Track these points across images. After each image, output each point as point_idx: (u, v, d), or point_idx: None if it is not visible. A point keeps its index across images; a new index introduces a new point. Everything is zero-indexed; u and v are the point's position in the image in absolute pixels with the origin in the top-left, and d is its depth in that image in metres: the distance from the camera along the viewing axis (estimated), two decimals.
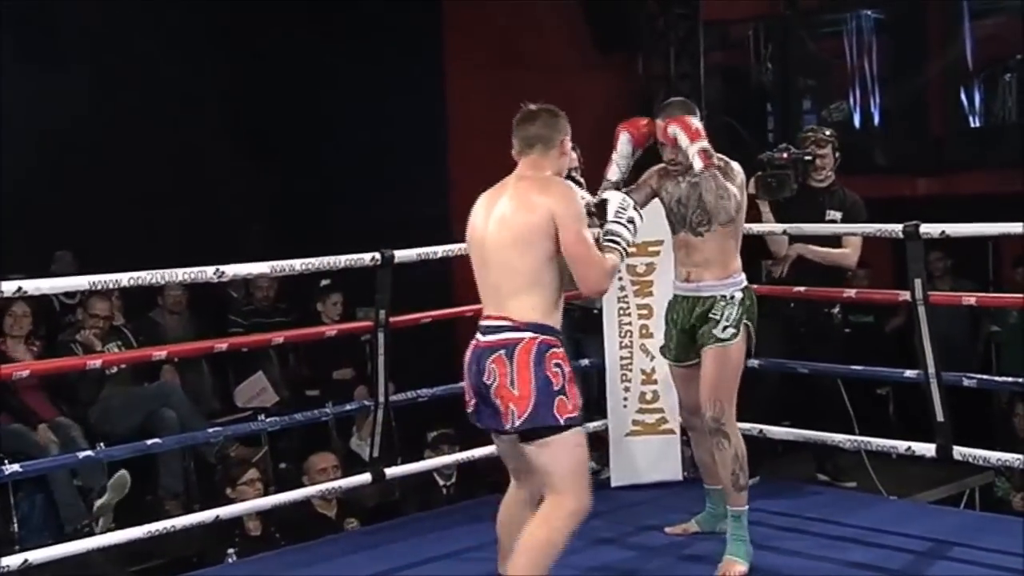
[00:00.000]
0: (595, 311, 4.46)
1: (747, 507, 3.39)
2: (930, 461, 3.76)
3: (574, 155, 4.56)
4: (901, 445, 3.86)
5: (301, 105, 6.47)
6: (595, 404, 4.45)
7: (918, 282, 3.57)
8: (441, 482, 5.27)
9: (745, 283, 3.46)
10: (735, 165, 3.48)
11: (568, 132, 2.92)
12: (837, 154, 4.64)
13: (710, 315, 3.40)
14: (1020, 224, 3.59)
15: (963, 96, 7.33)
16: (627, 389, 4.34)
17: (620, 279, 4.32)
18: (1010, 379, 4.18)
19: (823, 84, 8.00)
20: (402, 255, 3.79)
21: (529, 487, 2.85)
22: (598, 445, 4.44)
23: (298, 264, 3.65)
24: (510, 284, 2.75)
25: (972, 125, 7.35)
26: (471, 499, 4.63)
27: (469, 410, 2.84)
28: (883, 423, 5.69)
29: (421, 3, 6.73)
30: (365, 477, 3.94)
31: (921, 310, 3.56)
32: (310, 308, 6.17)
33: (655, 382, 4.35)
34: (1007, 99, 7.21)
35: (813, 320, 4.60)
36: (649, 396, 4.35)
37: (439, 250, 3.97)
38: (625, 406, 4.33)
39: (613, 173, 3.57)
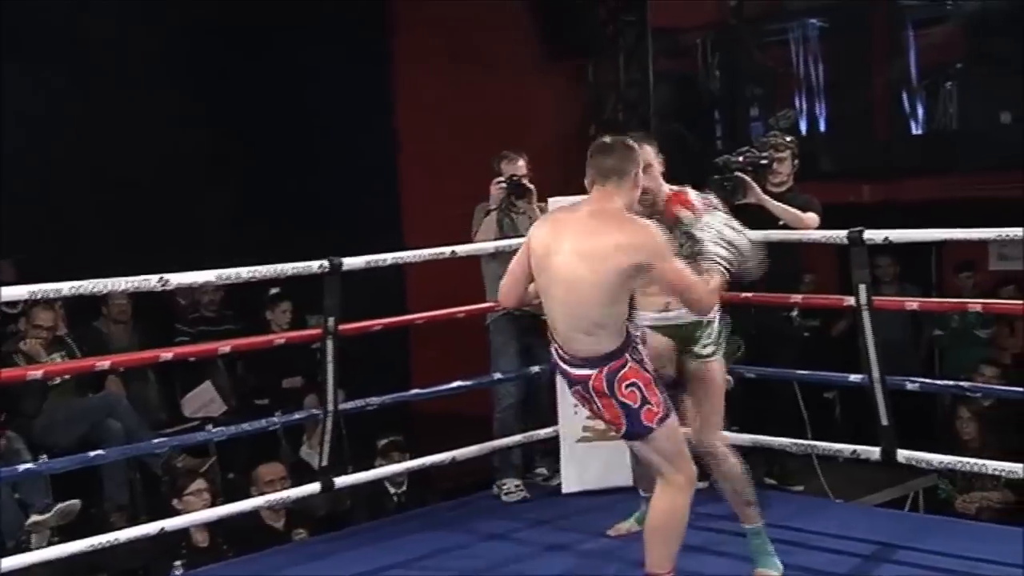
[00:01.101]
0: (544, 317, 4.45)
1: (761, 522, 3.37)
2: (875, 464, 3.81)
3: (520, 162, 4.60)
4: (847, 449, 3.91)
5: (245, 108, 6.40)
6: (546, 410, 4.45)
7: (862, 288, 3.62)
8: (392, 490, 5.25)
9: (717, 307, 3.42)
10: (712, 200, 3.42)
11: (641, 164, 2.99)
12: (796, 161, 4.69)
13: (693, 337, 3.38)
14: (962, 230, 3.67)
15: (906, 103, 7.47)
16: None
17: None
18: (952, 382, 4.25)
19: (770, 92, 8.11)
20: (350, 262, 3.77)
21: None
22: (548, 452, 4.45)
23: (245, 272, 3.61)
24: (582, 322, 2.86)
25: (915, 132, 7.49)
26: (423, 507, 4.62)
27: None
28: (830, 427, 5.75)
29: (368, 3, 6.70)
30: (314, 487, 3.91)
31: (865, 315, 3.61)
32: (259, 316, 6.12)
33: None
34: (948, 107, 7.36)
35: (771, 324, 4.65)
36: None
37: (388, 257, 3.95)
38: (576, 412, 4.30)
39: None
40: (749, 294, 4.31)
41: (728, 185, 4.38)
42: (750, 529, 3.38)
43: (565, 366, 2.94)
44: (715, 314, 3.38)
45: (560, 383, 4.33)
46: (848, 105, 7.48)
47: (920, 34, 7.33)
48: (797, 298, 4.33)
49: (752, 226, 4.38)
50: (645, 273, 2.85)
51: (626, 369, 2.88)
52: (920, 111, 7.46)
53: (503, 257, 4.47)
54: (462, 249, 4.38)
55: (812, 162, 7.21)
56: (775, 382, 4.68)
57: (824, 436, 4.35)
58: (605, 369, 2.87)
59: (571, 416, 4.34)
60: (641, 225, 2.86)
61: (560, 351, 2.94)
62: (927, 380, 3.91)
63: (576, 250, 2.84)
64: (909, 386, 3.74)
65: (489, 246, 4.39)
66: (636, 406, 2.90)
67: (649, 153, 3.32)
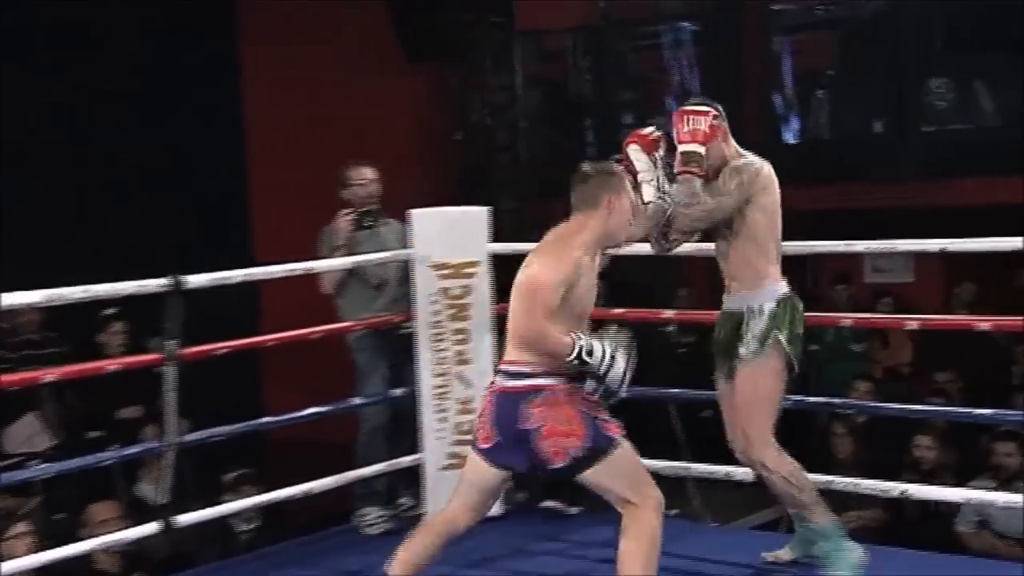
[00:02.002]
0: (403, 331, 4.45)
1: (829, 520, 3.35)
2: (751, 485, 3.93)
3: (372, 189, 4.56)
4: (720, 470, 4.02)
5: (85, 116, 6.23)
6: (410, 436, 4.46)
7: None
8: (243, 527, 5.17)
9: (782, 293, 3.34)
10: (743, 163, 3.36)
11: (621, 190, 3.11)
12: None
13: (740, 331, 3.34)
14: (836, 242, 3.84)
15: (779, 111, 7.76)
16: (443, 420, 4.36)
17: (435, 302, 4.36)
18: (824, 399, 4.42)
19: (643, 97, 8.30)
20: (195, 280, 3.71)
21: (470, 519, 3.15)
22: (412, 480, 4.45)
23: (79, 291, 3.52)
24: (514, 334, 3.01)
25: (788, 141, 7.79)
26: (276, 544, 4.56)
27: (487, 446, 3.04)
28: (707, 447, 5.92)
29: (215, 6, 6.60)
30: (153, 526, 3.82)
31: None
32: (90, 338, 5.94)
33: (473, 411, 4.36)
34: (820, 115, 7.67)
35: (645, 340, 4.75)
36: (467, 426, 4.32)
37: (237, 274, 3.90)
38: (441, 437, 4.35)
39: (648, 194, 3.33)
40: (621, 309, 4.41)
41: None
42: (817, 530, 3.38)
43: (511, 381, 3.02)
44: (770, 304, 3.32)
45: (425, 402, 4.34)
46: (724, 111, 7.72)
47: (793, 40, 7.63)
48: (670, 313, 4.42)
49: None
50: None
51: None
52: (793, 119, 7.76)
53: (359, 277, 4.49)
54: (321, 265, 4.36)
55: None
56: (650, 401, 4.77)
57: (701, 456, 4.48)
58: (564, 378, 2.99)
59: (436, 442, 4.36)
60: (562, 258, 3.00)
61: (505, 365, 3.05)
62: (800, 397, 4.05)
63: (524, 264, 3.07)
64: (782, 403, 3.88)
65: (348, 262, 4.38)
66: (592, 416, 3.03)
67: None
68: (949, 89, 7.01)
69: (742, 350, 3.31)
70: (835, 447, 5.70)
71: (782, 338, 3.31)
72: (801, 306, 3.39)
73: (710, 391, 3.61)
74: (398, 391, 4.44)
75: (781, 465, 3.33)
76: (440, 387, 4.36)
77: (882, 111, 7.39)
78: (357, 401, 4.41)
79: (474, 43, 7.56)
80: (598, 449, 2.98)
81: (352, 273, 4.45)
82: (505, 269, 4.58)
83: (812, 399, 4.24)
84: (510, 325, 3.04)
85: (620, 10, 8.21)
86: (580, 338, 2.99)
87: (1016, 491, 5.00)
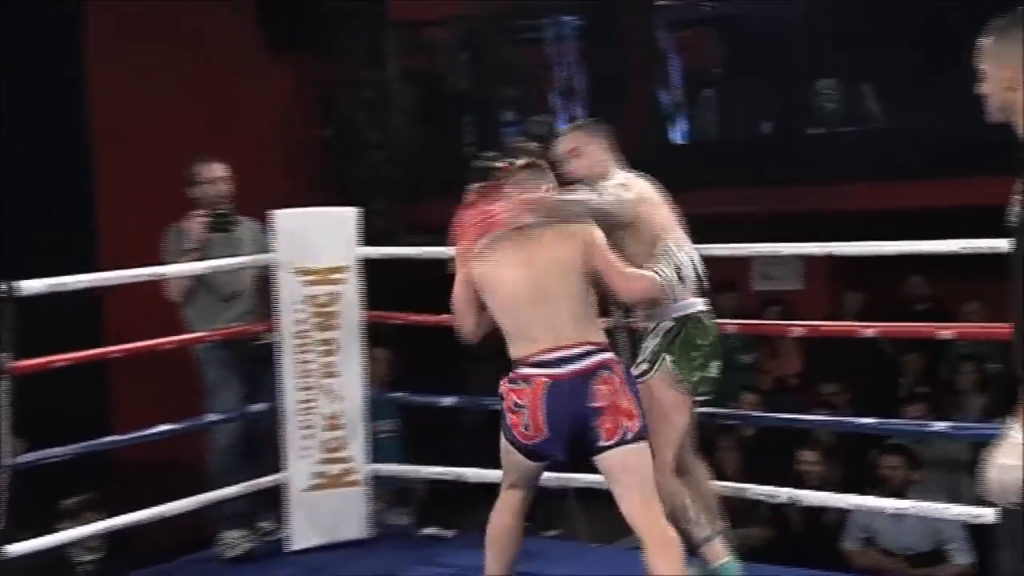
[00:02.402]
0: (259, 342, 4.36)
1: (724, 558, 3.41)
2: None
3: (223, 188, 4.46)
4: (603, 481, 4.01)
5: None
6: (268, 455, 4.36)
7: None
8: (87, 557, 4.98)
9: (686, 313, 3.38)
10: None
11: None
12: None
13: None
14: (722, 246, 3.88)
15: (665, 111, 7.85)
16: (308, 437, 4.29)
17: (299, 310, 4.28)
18: (709, 411, 4.43)
19: (525, 94, 8.32)
20: (29, 287, 3.55)
21: (527, 495, 3.28)
22: (273, 503, 4.36)
23: None
24: (569, 311, 3.15)
25: (674, 142, 7.88)
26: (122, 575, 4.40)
27: (532, 441, 3.13)
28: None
29: None
30: None
31: (623, 336, 3.74)
32: None
33: (341, 427, 4.32)
34: (708, 115, 7.79)
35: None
36: (334, 444, 4.31)
37: (76, 280, 3.75)
38: (306, 456, 4.28)
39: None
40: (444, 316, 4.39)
41: None
42: (711, 570, 3.42)
43: (575, 364, 3.11)
44: (668, 323, 3.36)
45: (289, 419, 4.26)
46: (606, 111, 7.78)
47: (678, 37, 7.73)
48: None
49: None
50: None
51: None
52: (680, 119, 7.86)
53: (208, 285, 4.37)
54: (170, 270, 4.23)
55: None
56: None
57: (581, 468, 4.50)
58: (615, 356, 3.19)
59: (300, 461, 4.28)
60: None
61: (562, 351, 3.13)
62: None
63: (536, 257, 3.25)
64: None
65: (199, 267, 4.26)
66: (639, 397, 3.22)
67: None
68: (837, 90, 7.18)
69: (634, 370, 3.36)
70: (722, 461, 5.78)
71: (668, 359, 3.37)
72: (707, 326, 3.42)
73: None
74: (256, 407, 4.35)
75: (672, 496, 3.37)
76: (305, 402, 4.30)
77: (769, 112, 7.53)
78: (211, 418, 4.29)
79: (344, 34, 7.46)
80: (642, 433, 3.12)
81: (201, 280, 4.33)
82: (376, 274, 4.54)
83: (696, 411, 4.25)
84: (563, 302, 3.14)
85: (500, 2, 8.22)
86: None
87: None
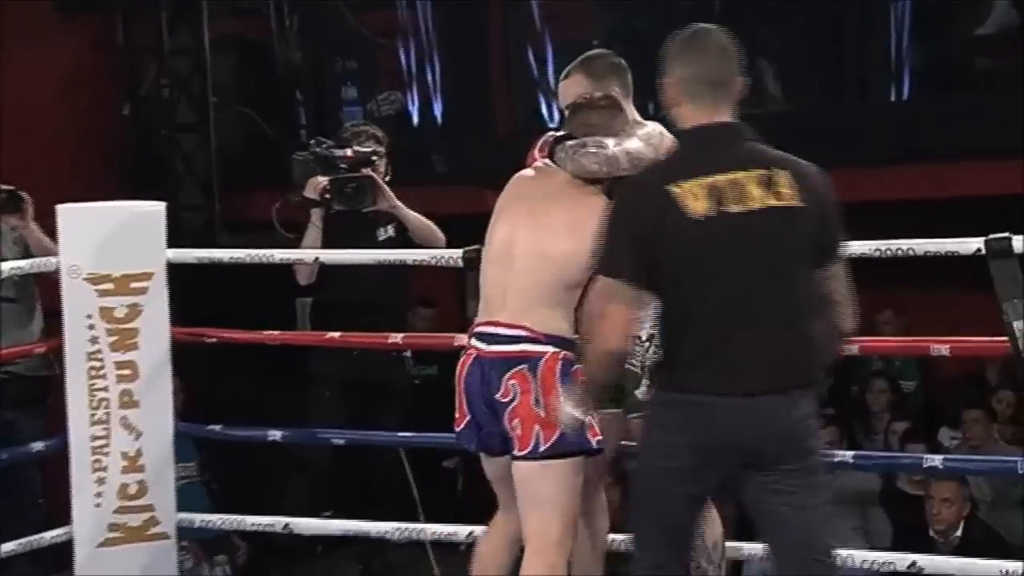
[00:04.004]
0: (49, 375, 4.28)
1: None
2: None
3: None
4: (463, 531, 4.03)
5: None
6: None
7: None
8: None
9: None
10: None
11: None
12: (388, 161, 4.83)
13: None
14: None
15: (537, 91, 7.89)
16: (101, 481, 4.21)
17: (91, 326, 4.19)
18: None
19: (370, 68, 8.27)
20: None
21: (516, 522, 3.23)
22: (58, 562, 4.27)
23: None
24: (533, 293, 3.15)
25: (549, 126, 7.92)
26: None
27: (458, 428, 3.22)
28: (450, 504, 5.93)
29: None
30: None
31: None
32: None
33: (141, 469, 4.25)
34: None
35: (372, 373, 4.74)
36: (134, 489, 4.25)
37: None
38: (99, 504, 4.20)
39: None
40: (336, 334, 4.37)
41: (351, 189, 4.46)
42: None
43: (500, 346, 3.14)
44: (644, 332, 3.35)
45: (77, 460, 4.16)
46: (466, 89, 7.78)
47: (549, 3, 7.78)
48: (397, 338, 4.43)
49: (348, 236, 4.51)
50: None
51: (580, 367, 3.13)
52: (553, 100, 7.90)
53: None
54: None
55: (424, 161, 7.46)
56: (378, 449, 4.77)
57: (443, 516, 4.49)
58: (563, 353, 3.14)
59: (91, 510, 4.20)
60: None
61: (500, 325, 3.16)
62: None
63: (547, 225, 3.24)
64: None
65: None
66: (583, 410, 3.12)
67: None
68: None
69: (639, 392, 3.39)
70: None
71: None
72: None
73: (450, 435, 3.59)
74: (38, 445, 4.28)
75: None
76: (98, 438, 4.22)
77: (654, 91, 7.62)
78: None
79: None
80: (570, 451, 3.11)
81: None
82: (188, 283, 4.46)
83: None
84: (526, 282, 3.15)
85: None
86: None
87: None
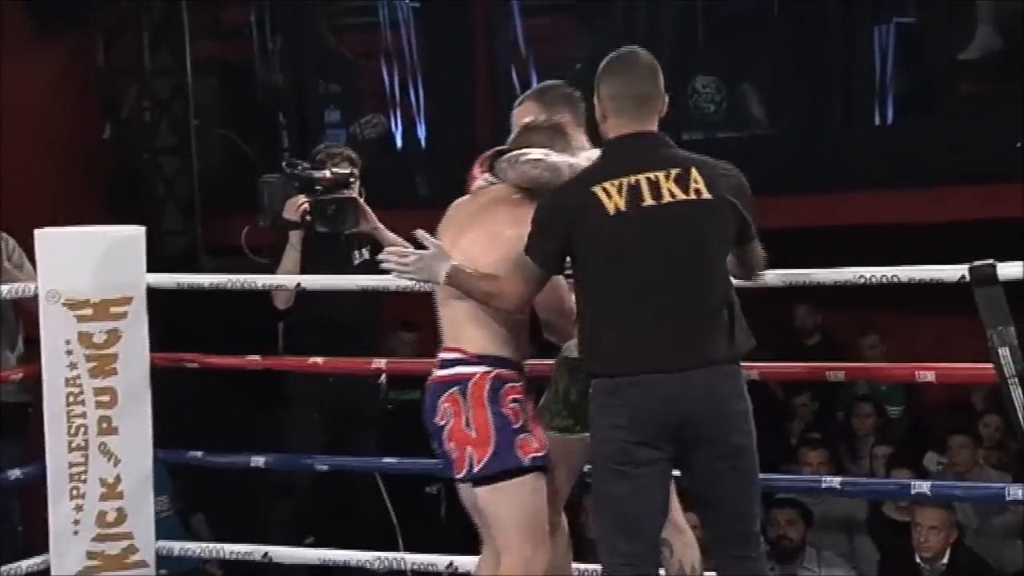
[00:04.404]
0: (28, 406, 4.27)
1: None
2: None
3: None
4: (443, 560, 4.02)
5: None
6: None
7: None
8: None
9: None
10: None
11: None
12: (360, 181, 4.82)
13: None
14: None
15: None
16: (79, 508, 4.19)
17: (70, 352, 4.17)
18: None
19: (353, 91, 8.28)
20: None
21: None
22: None
23: None
24: (464, 312, 3.20)
25: None
26: None
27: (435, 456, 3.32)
28: (433, 531, 5.91)
29: None
30: None
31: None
32: None
33: (120, 496, 4.23)
34: None
35: (351, 396, 4.73)
36: (112, 517, 4.24)
37: None
38: (76, 532, 4.18)
39: None
40: (320, 359, 4.36)
41: (332, 210, 4.44)
42: None
43: (441, 371, 3.23)
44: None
45: (54, 487, 4.16)
46: (450, 111, 7.79)
47: (533, 24, 7.80)
48: (381, 363, 4.41)
49: (323, 260, 4.50)
50: None
51: (519, 384, 3.21)
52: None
53: None
54: None
55: (408, 184, 7.46)
56: (355, 475, 4.76)
57: (425, 544, 4.48)
58: (495, 372, 3.18)
59: (69, 538, 4.18)
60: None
61: (446, 351, 3.25)
62: None
63: (467, 240, 3.29)
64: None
65: None
66: (516, 426, 3.15)
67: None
68: (717, 90, 7.34)
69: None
70: (586, 526, 5.80)
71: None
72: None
73: (432, 460, 3.59)
74: (16, 472, 4.24)
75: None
76: (76, 465, 4.20)
77: None
78: None
79: (128, 13, 7.32)
80: (503, 469, 3.13)
81: None
82: (169, 307, 4.44)
83: None
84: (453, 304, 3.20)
85: None
86: None
87: (801, 568, 5.26)
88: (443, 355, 3.25)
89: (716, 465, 3.09)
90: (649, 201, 3.04)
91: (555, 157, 3.23)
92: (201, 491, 5.84)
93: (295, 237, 4.54)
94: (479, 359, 3.18)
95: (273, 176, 4.62)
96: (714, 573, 3.29)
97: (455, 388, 3.18)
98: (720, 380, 3.08)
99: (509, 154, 3.29)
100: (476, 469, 3.14)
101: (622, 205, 3.04)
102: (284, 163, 4.71)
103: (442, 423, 3.19)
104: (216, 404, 6.22)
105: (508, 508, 3.15)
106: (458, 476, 3.21)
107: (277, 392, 4.83)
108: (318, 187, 4.51)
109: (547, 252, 3.09)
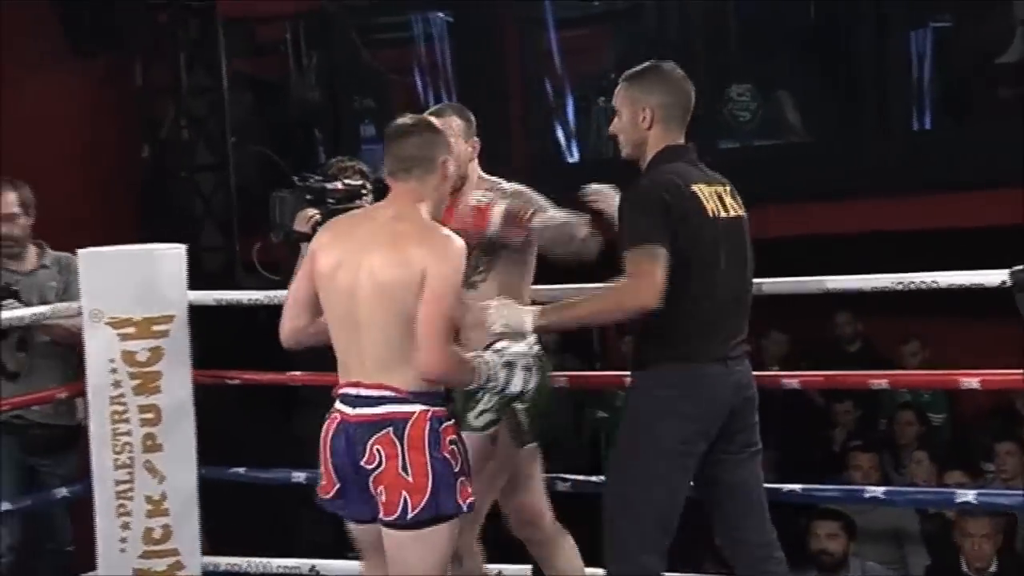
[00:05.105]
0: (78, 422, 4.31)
1: None
2: None
3: (11, 197, 4.38)
4: (491, 570, 3.99)
5: None
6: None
7: None
8: None
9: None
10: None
11: (451, 152, 3.22)
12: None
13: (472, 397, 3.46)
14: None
15: (554, 123, 7.92)
16: (126, 526, 4.21)
17: (114, 370, 4.20)
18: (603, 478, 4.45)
19: (388, 105, 8.31)
20: None
21: None
22: None
23: None
24: (386, 348, 3.03)
25: (567, 160, 7.95)
26: None
27: (327, 496, 3.13)
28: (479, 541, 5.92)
29: None
30: None
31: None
32: None
33: (166, 513, 4.25)
34: (602, 129, 7.86)
35: None
36: (158, 533, 4.24)
37: None
38: (123, 550, 4.19)
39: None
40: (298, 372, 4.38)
41: None
42: None
43: (367, 408, 3.04)
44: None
45: (101, 505, 4.18)
46: (484, 124, 7.78)
47: (566, 36, 7.82)
48: None
49: None
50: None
51: (451, 423, 3.08)
52: (571, 132, 7.93)
53: None
54: None
55: None
56: None
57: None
58: (431, 411, 3.03)
59: (116, 556, 4.19)
60: (448, 242, 3.07)
61: (363, 387, 3.06)
62: (583, 477, 4.11)
63: (371, 267, 3.06)
64: (560, 486, 3.96)
65: None
66: (456, 470, 3.04)
67: (454, 128, 3.56)
68: (752, 98, 7.34)
69: (472, 418, 3.48)
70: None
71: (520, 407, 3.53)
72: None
73: None
74: (63, 491, 4.27)
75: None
76: (122, 483, 4.21)
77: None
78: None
79: (164, 33, 7.37)
80: (439, 515, 3.02)
81: None
82: (209, 325, 4.47)
83: (595, 478, 4.29)
84: (378, 338, 3.04)
85: None
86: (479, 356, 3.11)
87: None
88: (363, 391, 3.06)
89: (742, 453, 3.27)
90: (724, 212, 3.22)
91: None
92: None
93: (307, 249, 4.57)
94: (414, 396, 3.02)
95: (285, 191, 4.64)
96: None
97: (388, 429, 3.00)
98: (749, 372, 3.35)
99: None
100: (411, 515, 2.99)
101: (713, 210, 3.20)
102: (295, 177, 4.73)
103: (371, 466, 3.01)
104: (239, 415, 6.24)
105: (431, 553, 3.04)
106: (385, 519, 3.03)
107: (294, 398, 4.84)
108: (330, 199, 4.50)
109: (667, 239, 3.09)
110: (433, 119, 3.31)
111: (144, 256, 4.36)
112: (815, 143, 7.32)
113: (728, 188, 3.28)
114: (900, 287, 3.65)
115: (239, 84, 7.73)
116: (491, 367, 3.10)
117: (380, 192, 4.54)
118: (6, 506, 4.21)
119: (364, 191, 4.61)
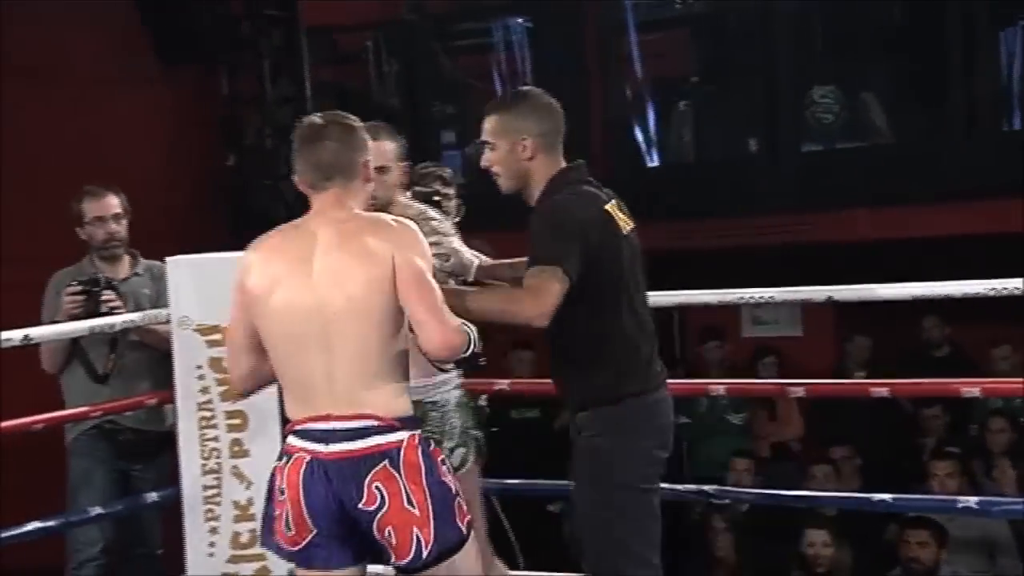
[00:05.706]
0: (167, 428, 4.37)
1: None
2: None
3: (113, 201, 4.45)
4: None
5: None
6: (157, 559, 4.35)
7: None
8: None
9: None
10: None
11: (369, 150, 2.97)
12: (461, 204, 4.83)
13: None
14: (707, 292, 3.91)
15: (634, 128, 7.91)
16: (214, 531, 4.26)
17: (202, 376, 4.25)
18: (695, 487, 4.42)
19: (468, 112, 8.34)
20: None
21: None
22: None
23: None
24: (363, 367, 2.78)
25: (648, 164, 7.94)
26: None
27: (295, 547, 2.83)
28: (554, 549, 5.91)
29: None
30: None
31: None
32: None
33: (253, 518, 4.27)
34: (684, 132, 7.85)
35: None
36: (246, 538, 4.26)
37: None
38: (212, 554, 4.24)
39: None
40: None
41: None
42: None
43: (344, 444, 2.78)
44: (455, 394, 3.47)
45: (190, 509, 4.23)
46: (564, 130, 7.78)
47: (647, 40, 7.80)
48: (504, 384, 4.44)
49: None
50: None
51: (433, 445, 2.92)
52: (651, 137, 7.92)
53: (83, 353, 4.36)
54: (40, 332, 4.15)
55: (520, 205, 7.47)
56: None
57: (545, 563, 4.49)
58: (417, 433, 2.84)
59: (205, 560, 4.24)
60: (402, 224, 2.90)
61: (338, 419, 2.80)
62: (664, 485, 4.09)
63: (332, 273, 2.82)
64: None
65: (81, 327, 4.22)
66: (453, 492, 2.86)
67: (387, 153, 3.47)
68: (836, 100, 7.28)
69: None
70: (714, 545, 5.77)
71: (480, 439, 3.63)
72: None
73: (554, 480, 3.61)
74: (153, 496, 4.33)
75: None
76: (210, 488, 4.26)
77: (756, 126, 7.60)
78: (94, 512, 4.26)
79: (248, 43, 7.45)
80: (450, 545, 2.83)
81: (78, 346, 4.34)
82: None
83: (681, 487, 4.27)
84: (354, 355, 2.80)
85: (433, 2, 8.25)
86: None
87: None
88: (338, 424, 2.79)
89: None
90: (625, 227, 3.17)
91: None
92: None
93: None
94: (399, 423, 2.81)
95: None
96: None
97: (383, 463, 2.76)
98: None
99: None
100: (426, 553, 2.79)
101: (623, 227, 3.15)
102: None
103: (372, 508, 2.76)
104: None
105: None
106: (403, 564, 2.81)
107: None
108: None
109: (575, 263, 3.00)
110: (346, 117, 3.01)
111: (230, 264, 4.37)
112: (901, 145, 7.24)
113: (618, 202, 3.21)
114: (992, 293, 3.59)
115: (322, 92, 7.79)
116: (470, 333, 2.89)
117: (462, 197, 4.60)
118: (99, 510, 4.28)
119: (436, 196, 4.62)
